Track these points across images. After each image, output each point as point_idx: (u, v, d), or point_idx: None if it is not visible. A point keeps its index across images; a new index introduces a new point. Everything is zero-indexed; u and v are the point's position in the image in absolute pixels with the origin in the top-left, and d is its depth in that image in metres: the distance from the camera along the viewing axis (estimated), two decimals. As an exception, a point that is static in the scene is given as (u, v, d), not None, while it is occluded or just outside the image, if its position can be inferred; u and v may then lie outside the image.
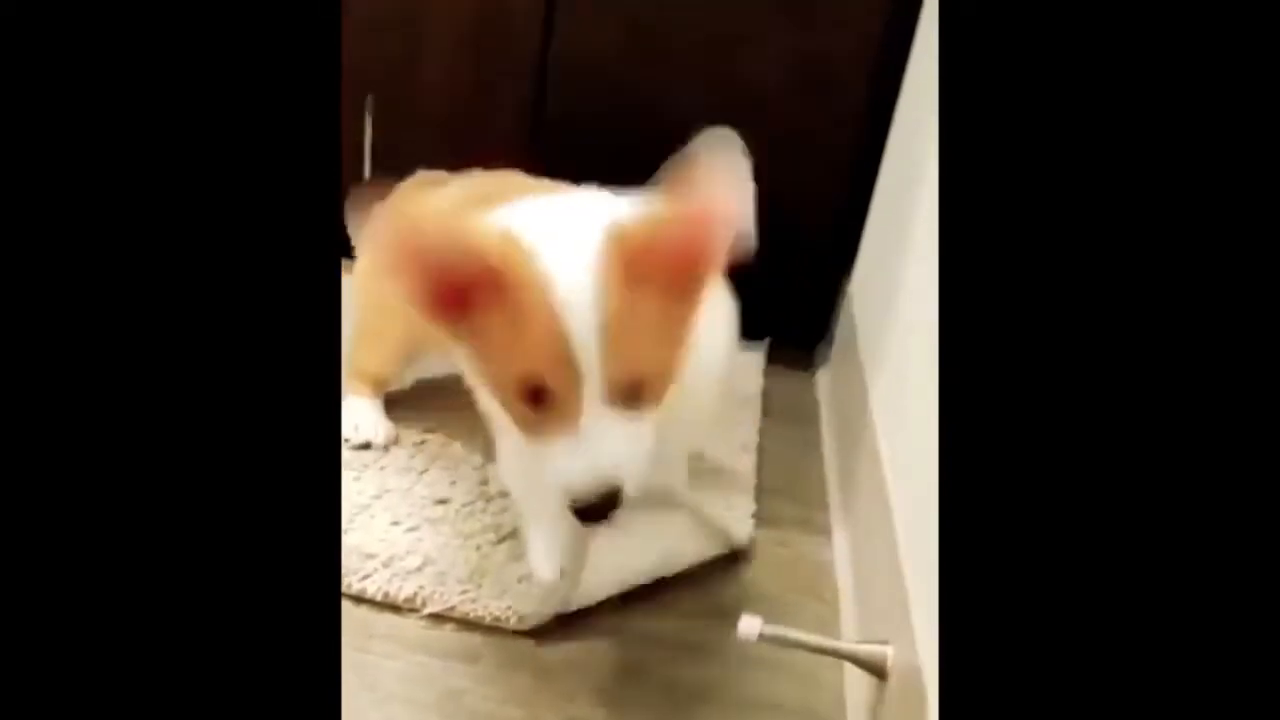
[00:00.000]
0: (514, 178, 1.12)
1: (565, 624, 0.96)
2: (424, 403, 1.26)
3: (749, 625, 0.87)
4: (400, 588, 0.96)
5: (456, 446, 1.20)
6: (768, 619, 0.90)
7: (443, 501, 1.10)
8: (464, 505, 1.09)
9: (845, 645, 0.89)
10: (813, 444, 1.36)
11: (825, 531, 1.18)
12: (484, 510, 1.09)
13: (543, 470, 0.76)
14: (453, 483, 1.13)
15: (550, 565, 0.98)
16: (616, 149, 1.50)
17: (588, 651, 0.94)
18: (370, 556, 0.99)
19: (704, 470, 1.22)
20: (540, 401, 0.74)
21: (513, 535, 1.05)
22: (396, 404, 1.25)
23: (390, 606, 0.96)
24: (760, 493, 1.21)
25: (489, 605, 0.96)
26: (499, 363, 0.76)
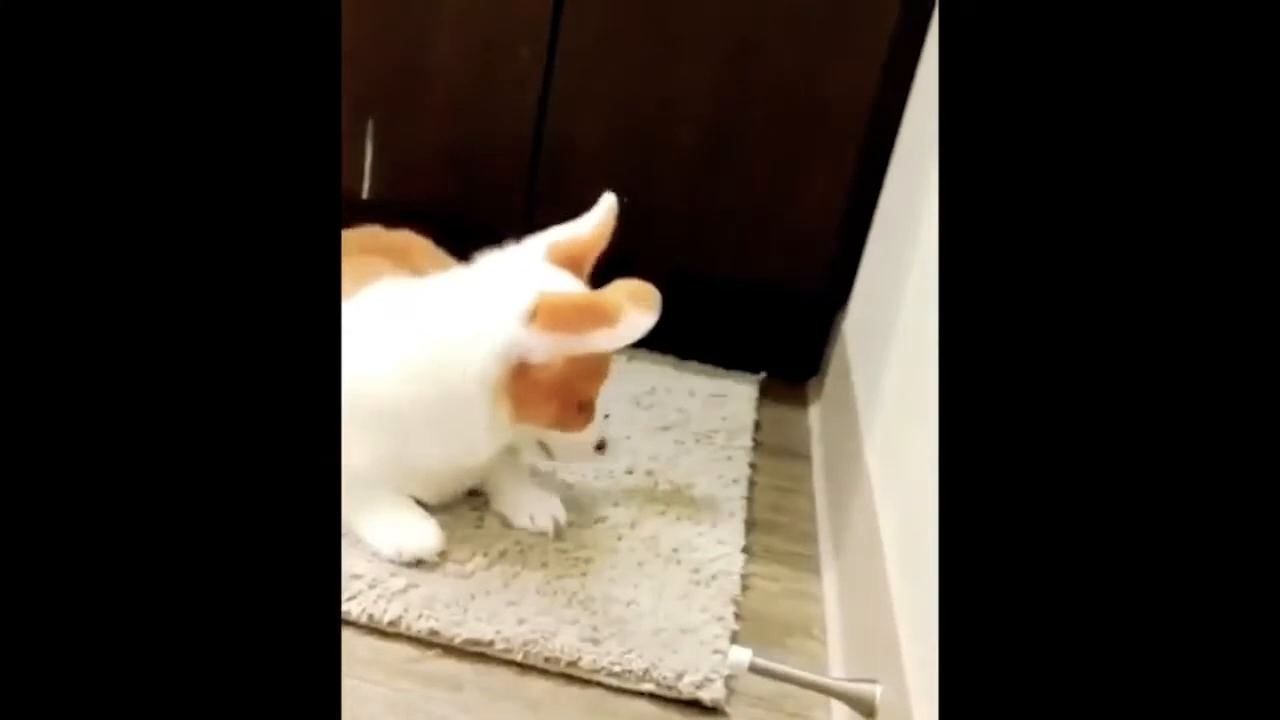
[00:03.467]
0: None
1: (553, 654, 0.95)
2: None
3: (739, 656, 0.87)
4: (385, 610, 0.95)
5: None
6: (755, 653, 0.90)
7: (430, 525, 1.09)
8: (452, 528, 1.09)
9: (834, 682, 0.88)
10: (804, 478, 1.36)
11: (815, 567, 1.17)
12: (474, 534, 1.08)
13: (575, 446, 1.09)
14: (441, 506, 1.12)
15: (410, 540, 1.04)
16: (616, 170, 1.50)
17: (572, 682, 0.93)
18: (356, 577, 0.98)
19: (694, 502, 1.21)
20: (584, 411, 1.07)
21: (503, 558, 1.05)
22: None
23: (374, 630, 0.95)
24: (750, 526, 1.20)
25: (475, 629, 0.95)
26: (579, 385, 1.05)
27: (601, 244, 1.10)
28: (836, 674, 0.97)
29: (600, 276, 1.07)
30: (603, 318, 0.99)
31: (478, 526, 1.10)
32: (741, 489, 1.26)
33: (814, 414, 1.52)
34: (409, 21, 1.48)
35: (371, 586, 0.98)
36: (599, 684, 0.93)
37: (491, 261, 1.08)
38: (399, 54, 1.49)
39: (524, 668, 0.93)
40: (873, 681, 0.83)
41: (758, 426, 1.44)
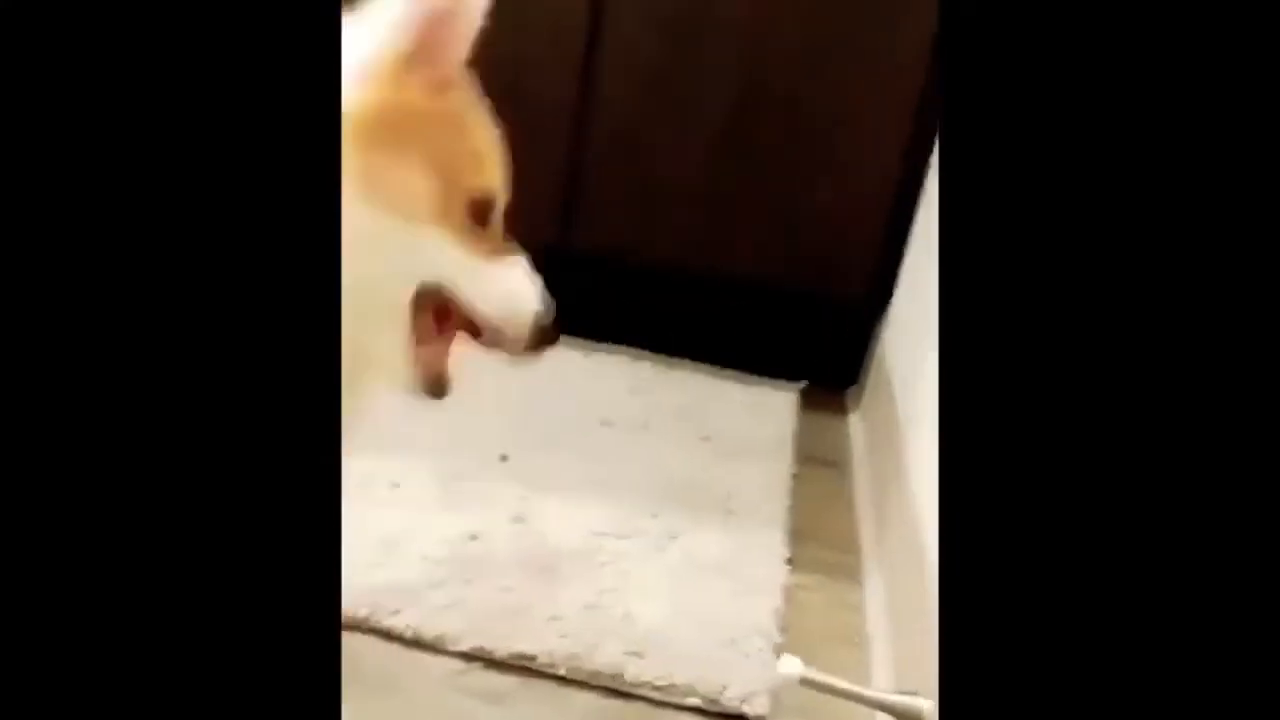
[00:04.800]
0: None
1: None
2: (452, 440, 1.26)
3: (790, 665, 0.86)
4: (431, 625, 0.96)
5: (488, 483, 1.20)
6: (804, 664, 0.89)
7: (474, 537, 1.09)
8: (497, 541, 1.09)
9: (883, 695, 0.87)
10: (845, 488, 1.35)
11: (857, 577, 1.16)
12: (516, 549, 1.09)
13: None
14: (485, 518, 1.13)
15: None
16: (647, 176, 1.50)
17: (615, 696, 0.93)
18: (400, 592, 0.99)
19: (735, 513, 1.21)
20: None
21: (544, 573, 1.05)
22: (419, 443, 1.24)
23: (420, 645, 0.95)
24: (792, 536, 1.19)
25: (519, 644, 0.95)
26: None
27: None
28: (878, 684, 0.96)
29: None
30: None
31: (518, 541, 1.11)
32: (783, 499, 1.26)
33: (854, 422, 1.51)
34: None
35: (416, 602, 0.98)
36: (643, 698, 0.93)
37: None
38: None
39: (567, 682, 0.94)
40: (915, 694, 0.83)
41: (798, 436, 1.43)
